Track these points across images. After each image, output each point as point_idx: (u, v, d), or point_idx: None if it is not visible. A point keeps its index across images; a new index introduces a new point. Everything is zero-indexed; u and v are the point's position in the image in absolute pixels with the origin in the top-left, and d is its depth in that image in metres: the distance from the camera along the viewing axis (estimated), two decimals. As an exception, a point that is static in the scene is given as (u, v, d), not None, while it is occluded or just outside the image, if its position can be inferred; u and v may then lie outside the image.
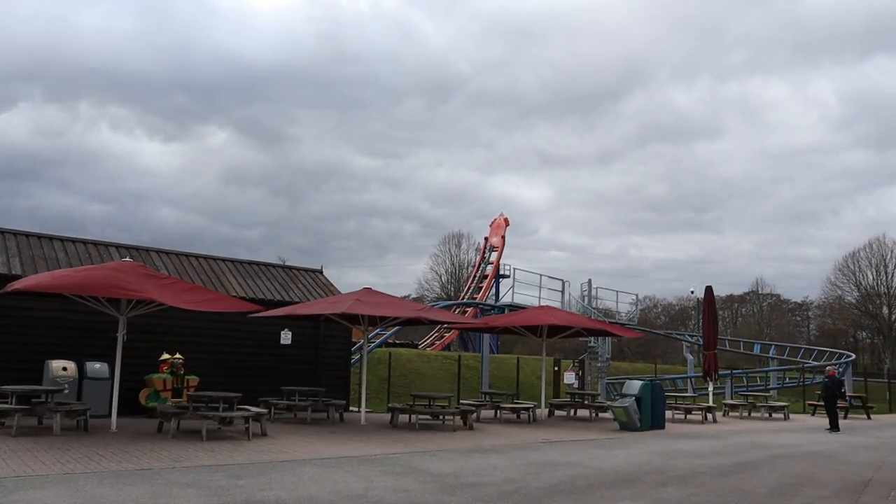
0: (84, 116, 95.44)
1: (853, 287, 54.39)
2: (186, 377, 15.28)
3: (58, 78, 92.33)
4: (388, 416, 15.63)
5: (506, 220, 62.20)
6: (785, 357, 33.18)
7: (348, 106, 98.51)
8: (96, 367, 14.26)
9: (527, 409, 16.87)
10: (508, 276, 57.88)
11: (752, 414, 21.75)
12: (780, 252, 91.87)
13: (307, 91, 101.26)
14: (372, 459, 10.25)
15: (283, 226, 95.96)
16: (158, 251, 17.62)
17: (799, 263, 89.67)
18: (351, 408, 18.07)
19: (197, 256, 18.09)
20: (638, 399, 16.11)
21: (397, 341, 42.16)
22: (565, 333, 18.21)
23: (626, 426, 16.09)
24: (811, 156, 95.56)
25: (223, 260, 18.45)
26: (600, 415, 19.24)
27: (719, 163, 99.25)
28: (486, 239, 61.65)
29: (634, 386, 16.37)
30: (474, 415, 15.56)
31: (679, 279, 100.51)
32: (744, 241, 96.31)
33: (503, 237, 60.69)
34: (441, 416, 15.14)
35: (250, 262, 18.97)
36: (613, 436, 14.92)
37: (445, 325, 40.61)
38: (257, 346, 17.19)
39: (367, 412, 18.56)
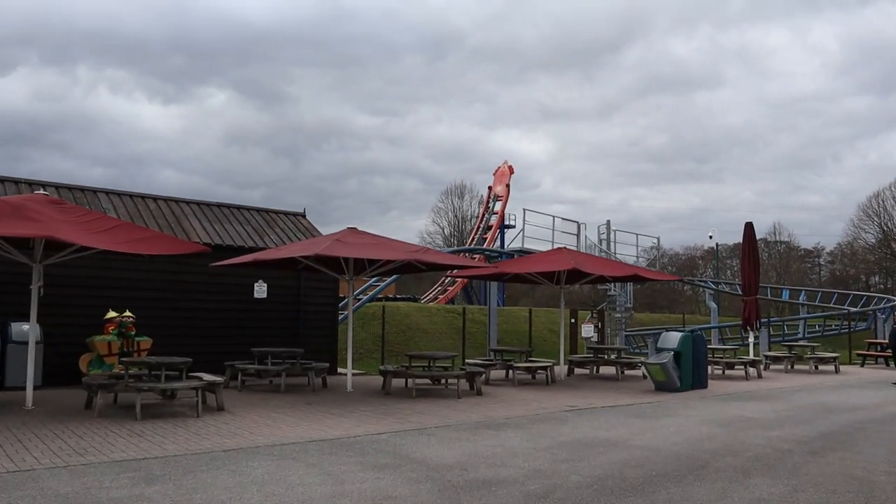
0: (83, 80, 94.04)
1: (877, 228, 51.72)
2: (137, 339, 12.75)
3: (55, 41, 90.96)
4: (380, 379, 13.13)
5: (510, 168, 59.26)
6: (816, 303, 30.63)
7: (347, 64, 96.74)
8: (23, 328, 11.72)
9: (544, 367, 14.37)
10: (514, 226, 55.28)
11: (796, 367, 19.28)
12: (782, 200, 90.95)
13: (305, 50, 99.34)
14: (350, 444, 7.73)
15: (285, 186, 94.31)
16: (108, 192, 14.93)
17: (801, 211, 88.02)
18: (339, 369, 15.61)
19: (155, 198, 15.41)
20: (677, 354, 13.57)
21: (398, 296, 39.69)
22: (587, 279, 15.61)
23: (663, 386, 13.60)
24: (812, 103, 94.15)
25: (187, 202, 15.78)
26: (626, 372, 16.78)
27: (720, 112, 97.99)
28: (490, 188, 58.78)
29: (672, 339, 13.81)
30: (483, 377, 13.05)
31: (682, 229, 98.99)
32: (745, 191, 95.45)
33: (508, 186, 57.81)
34: (443, 380, 12.65)
35: (220, 205, 16.30)
36: (651, 398, 12.42)
37: (449, 275, 38.20)
38: (227, 301, 14.64)
39: (356, 374, 16.12)
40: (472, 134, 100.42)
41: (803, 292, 31.66)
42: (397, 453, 7.25)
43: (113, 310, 12.73)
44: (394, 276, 20.54)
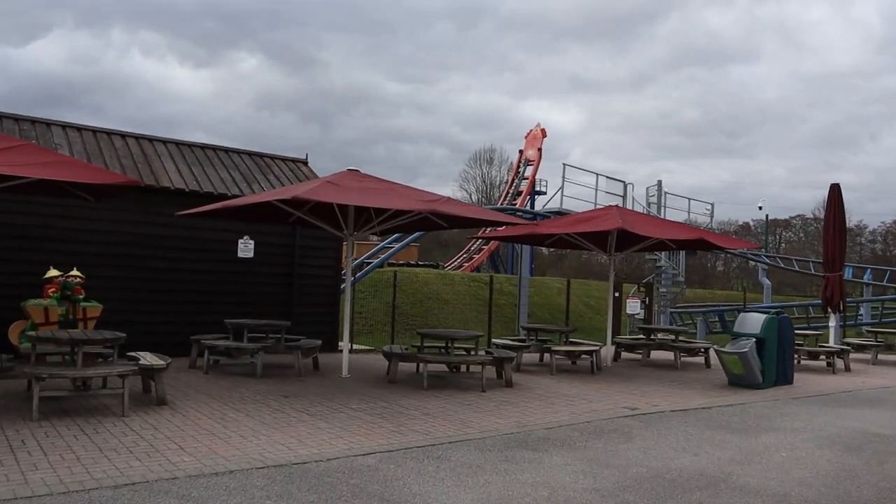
0: (116, 42, 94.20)
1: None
2: (84, 305, 10.24)
3: (88, 4, 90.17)
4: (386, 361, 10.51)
5: (542, 131, 55.99)
6: (885, 283, 27.41)
7: (378, 30, 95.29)
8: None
9: (589, 352, 11.66)
10: (545, 193, 52.18)
11: (880, 357, 16.32)
12: (816, 178, 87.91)
13: (337, 14, 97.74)
14: (317, 476, 5.11)
15: (315, 150, 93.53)
16: (66, 125, 12.32)
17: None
18: (341, 345, 13.03)
19: (123, 135, 12.80)
20: (759, 341, 10.76)
21: (419, 262, 37.06)
22: (642, 245, 12.79)
23: (739, 380, 10.83)
24: (850, 79, 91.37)
25: (163, 141, 13.14)
26: (684, 358, 13.98)
27: (754, 87, 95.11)
28: (521, 152, 55.64)
29: (754, 322, 10.98)
30: (513, 362, 10.38)
31: (716, 204, 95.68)
32: (777, 167, 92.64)
33: (540, 150, 54.58)
34: (463, 367, 10.02)
35: (204, 146, 13.66)
36: (730, 398, 9.67)
37: (476, 237, 35.54)
38: (204, 262, 12.09)
39: (362, 351, 13.55)
40: (501, 103, 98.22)
41: (869, 270, 28.41)
42: (385, 499, 4.62)
43: (55, 268, 10.21)
44: (409, 237, 17.88)
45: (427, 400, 8.44)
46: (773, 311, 11.61)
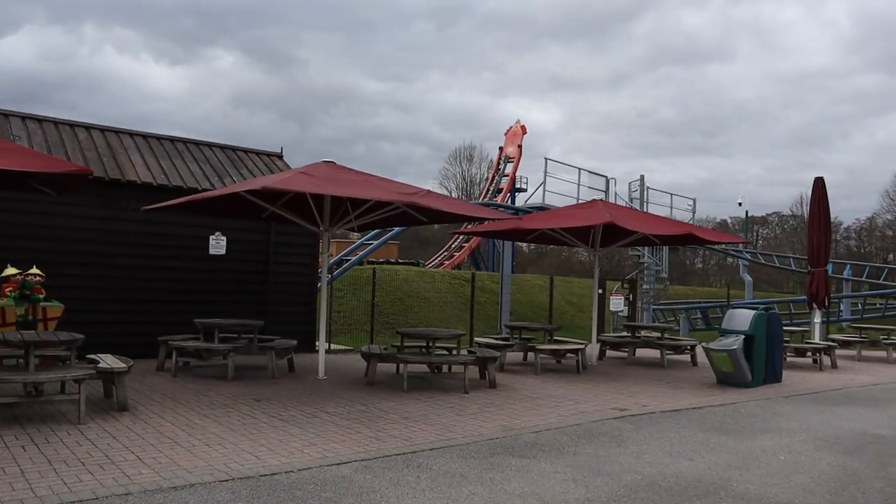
0: (89, 39, 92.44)
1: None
2: (45, 305, 9.70)
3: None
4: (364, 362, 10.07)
5: (522, 128, 55.73)
6: (864, 279, 27.39)
7: (357, 28, 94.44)
8: None
9: (574, 350, 11.32)
10: (525, 190, 51.85)
11: (863, 353, 16.15)
12: (790, 176, 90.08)
13: (314, 12, 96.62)
14: (287, 489, 4.68)
15: (294, 149, 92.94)
16: (25, 117, 11.75)
17: (808, 187, 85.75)
18: (330, 345, 12.55)
19: (88, 127, 12.24)
20: (748, 338, 10.47)
21: (399, 260, 36.62)
22: (627, 240, 12.46)
23: (728, 379, 10.54)
24: (822, 79, 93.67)
25: (130, 133, 12.60)
26: (669, 356, 13.68)
27: (730, 86, 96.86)
28: (501, 149, 55.26)
29: (742, 318, 10.67)
30: (497, 362, 10.01)
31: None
32: (753, 166, 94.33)
33: (520, 146, 54.29)
34: (444, 367, 9.63)
35: (174, 139, 13.12)
36: (720, 397, 9.36)
37: (457, 233, 35.29)
38: (174, 259, 11.57)
39: (340, 351, 13.12)
40: (481, 101, 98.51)
41: (848, 266, 28.38)
42: (360, 516, 4.21)
43: (13, 266, 9.66)
44: (388, 234, 17.44)
45: (407, 402, 8.03)
46: (762, 306, 11.33)
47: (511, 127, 56.10)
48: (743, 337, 10.45)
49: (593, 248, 12.43)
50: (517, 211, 18.05)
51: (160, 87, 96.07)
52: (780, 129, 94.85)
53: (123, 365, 6.89)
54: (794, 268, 29.44)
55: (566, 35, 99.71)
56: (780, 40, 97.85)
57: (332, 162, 9.49)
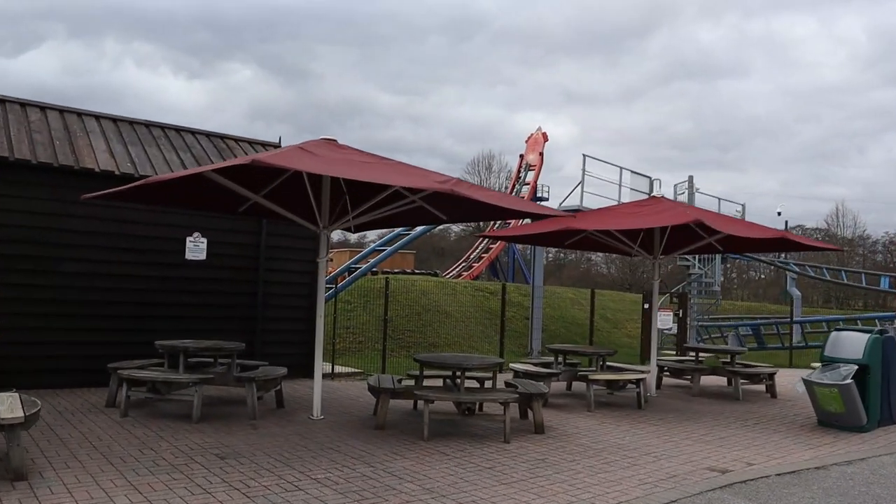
0: (109, 53, 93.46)
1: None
2: (-33, 320, 7.64)
3: (81, 14, 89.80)
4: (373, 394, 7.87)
5: (544, 135, 53.48)
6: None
7: (371, 42, 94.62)
8: None
9: (635, 381, 9.07)
10: (547, 199, 49.76)
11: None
12: (805, 191, 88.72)
13: (329, 27, 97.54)
14: None
15: None
16: (-31, 94, 9.75)
17: (824, 202, 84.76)
18: (334, 368, 10.38)
19: (43, 107, 10.14)
20: (861, 369, 8.17)
21: (416, 271, 34.40)
22: (692, 247, 10.22)
23: (834, 420, 8.25)
24: (837, 94, 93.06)
25: (96, 116, 10.54)
26: (741, 385, 11.37)
27: (744, 102, 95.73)
28: (521, 157, 53.05)
29: (854, 344, 8.38)
30: (544, 398, 7.75)
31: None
32: (768, 181, 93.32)
33: (541, 154, 52.07)
34: (477, 406, 7.42)
35: (150, 124, 11.04)
36: (839, 448, 7.08)
37: (483, 235, 33.16)
38: (141, 264, 9.45)
39: (347, 374, 10.97)
40: (495, 115, 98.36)
41: (886, 278, 25.80)
42: None
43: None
44: (404, 238, 15.20)
45: (429, 460, 5.83)
46: (877, 329, 9.03)
47: (532, 134, 53.89)
48: (856, 368, 8.16)
49: (653, 256, 10.20)
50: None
51: (178, 100, 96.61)
52: (794, 143, 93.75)
53: (18, 415, 4.74)
54: (847, 282, 26.93)
55: (579, 50, 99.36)
56: (794, 56, 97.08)
57: (334, 140, 7.36)
